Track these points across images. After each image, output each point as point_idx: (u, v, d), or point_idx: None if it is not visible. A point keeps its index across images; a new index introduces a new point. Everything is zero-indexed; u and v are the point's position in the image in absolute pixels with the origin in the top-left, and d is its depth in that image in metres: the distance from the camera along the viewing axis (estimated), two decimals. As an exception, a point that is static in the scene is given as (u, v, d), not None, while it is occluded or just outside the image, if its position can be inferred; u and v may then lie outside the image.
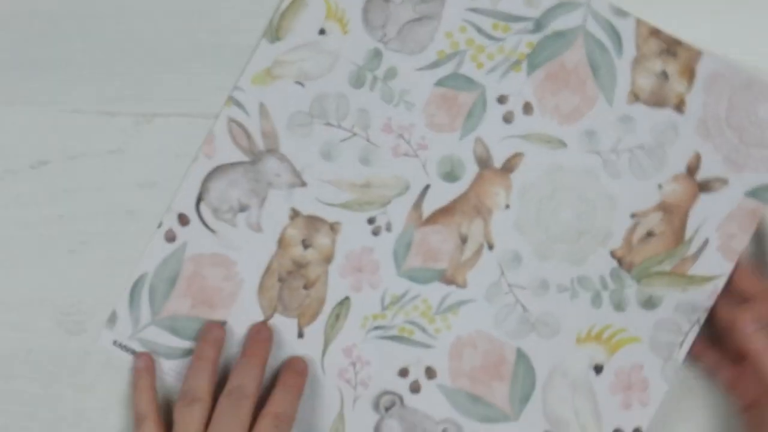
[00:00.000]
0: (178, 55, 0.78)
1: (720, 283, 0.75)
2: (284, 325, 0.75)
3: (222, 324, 0.76)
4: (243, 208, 0.75)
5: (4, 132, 0.77)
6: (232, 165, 0.75)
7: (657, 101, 0.76)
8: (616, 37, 0.76)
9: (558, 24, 0.76)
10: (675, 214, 0.76)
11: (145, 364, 0.75)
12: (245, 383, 0.71)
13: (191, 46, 0.78)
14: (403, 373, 0.75)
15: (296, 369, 0.75)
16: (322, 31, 0.76)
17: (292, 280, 0.75)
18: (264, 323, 0.76)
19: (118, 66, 0.78)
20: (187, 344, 0.75)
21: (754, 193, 0.76)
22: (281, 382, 0.74)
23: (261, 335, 0.75)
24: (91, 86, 0.78)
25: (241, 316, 0.75)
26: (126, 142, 0.77)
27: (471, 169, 0.76)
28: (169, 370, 0.75)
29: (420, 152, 0.76)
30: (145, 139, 0.77)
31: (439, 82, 0.76)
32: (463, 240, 0.75)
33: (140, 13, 0.78)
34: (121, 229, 0.77)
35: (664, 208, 0.76)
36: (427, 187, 0.76)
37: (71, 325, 0.76)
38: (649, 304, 0.75)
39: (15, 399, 0.76)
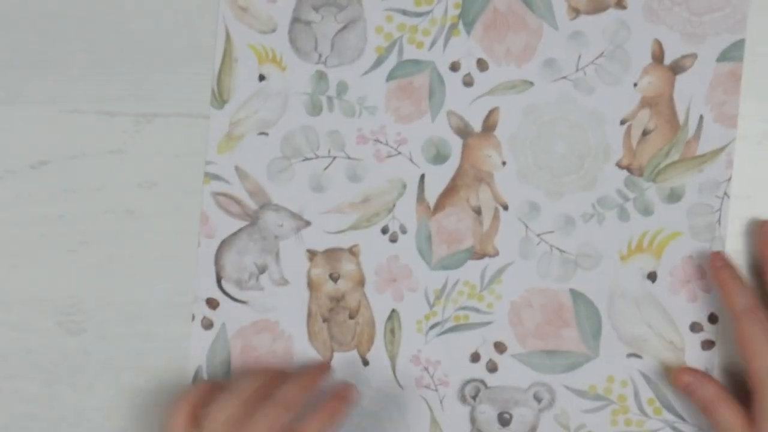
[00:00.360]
0: (178, 55, 0.78)
1: (730, 150, 0.75)
2: (347, 360, 0.75)
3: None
4: (262, 270, 0.75)
5: (4, 132, 0.78)
6: (235, 234, 0.75)
7: (597, 7, 0.76)
8: (535, -36, 0.76)
9: (474, -27, 0.76)
10: (660, 104, 0.76)
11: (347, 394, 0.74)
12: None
13: (191, 46, 0.78)
14: (475, 357, 0.75)
15: (338, 394, 0.73)
16: (261, 78, 0.77)
17: (336, 315, 0.75)
18: (352, 386, 0.74)
19: (118, 66, 0.78)
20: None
21: (725, 56, 0.76)
22: (320, 405, 0.71)
23: (346, 395, 0.74)
24: (92, 86, 0.78)
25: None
26: (126, 142, 0.78)
27: (455, 143, 0.76)
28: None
29: (401, 148, 0.76)
30: (146, 139, 0.77)
31: (390, 77, 0.77)
32: (477, 212, 0.75)
33: (140, 13, 0.78)
34: (121, 229, 0.77)
35: (647, 103, 0.75)
36: (422, 177, 0.76)
37: (71, 325, 0.76)
38: (674, 197, 0.75)
39: (15, 398, 0.76)
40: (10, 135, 0.78)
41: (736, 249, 0.76)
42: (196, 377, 0.75)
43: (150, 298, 0.77)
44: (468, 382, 0.75)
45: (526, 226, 0.75)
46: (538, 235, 0.75)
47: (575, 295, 0.75)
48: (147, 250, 0.77)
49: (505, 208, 0.75)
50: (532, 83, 0.76)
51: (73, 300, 0.77)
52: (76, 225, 0.77)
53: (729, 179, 0.75)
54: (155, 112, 0.78)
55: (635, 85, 0.75)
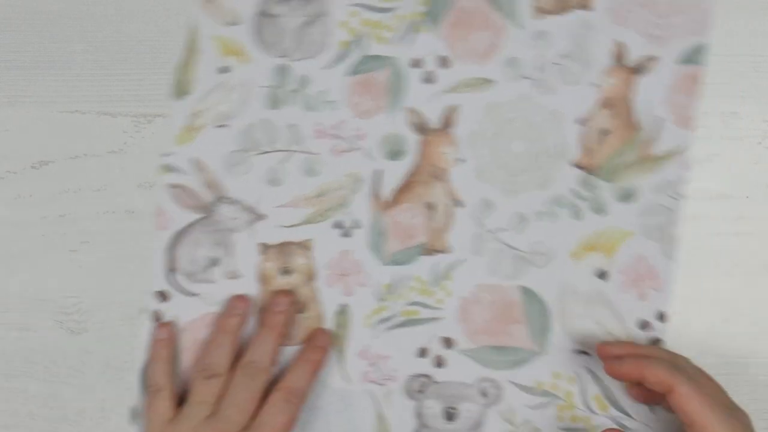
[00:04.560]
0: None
1: (687, 153, 0.76)
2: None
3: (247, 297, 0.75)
4: (215, 263, 0.75)
5: (5, 132, 0.78)
6: (189, 226, 0.75)
7: (563, 7, 0.75)
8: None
9: (442, -30, 0.74)
10: (620, 105, 0.75)
11: (166, 335, 0.75)
12: (260, 357, 0.72)
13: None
14: (423, 352, 0.76)
15: (317, 343, 0.75)
16: (224, 70, 0.75)
17: (287, 309, 0.75)
18: (283, 293, 0.76)
19: (118, 66, 0.78)
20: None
21: (687, 59, 0.76)
22: (300, 355, 0.74)
23: (279, 307, 0.74)
24: (92, 87, 0.78)
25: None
26: (126, 143, 0.78)
27: (413, 140, 0.75)
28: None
29: (359, 143, 0.75)
30: (146, 139, 0.77)
31: (352, 71, 0.76)
32: (431, 208, 0.75)
33: (140, 13, 0.78)
34: (121, 229, 0.77)
35: (607, 104, 0.75)
36: (378, 172, 0.75)
37: (72, 325, 0.77)
38: (628, 196, 0.75)
39: (16, 398, 0.77)
40: (11, 135, 0.78)
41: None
42: (144, 370, 0.74)
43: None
44: (415, 377, 0.76)
45: (480, 224, 0.75)
46: (490, 232, 0.75)
47: (525, 292, 0.75)
48: (147, 250, 0.76)
49: (460, 204, 0.75)
50: (492, 81, 0.75)
51: (73, 299, 0.76)
52: (76, 225, 0.77)
53: (684, 181, 0.74)
54: (155, 112, 0.77)
55: (596, 85, 0.75)
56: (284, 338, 0.74)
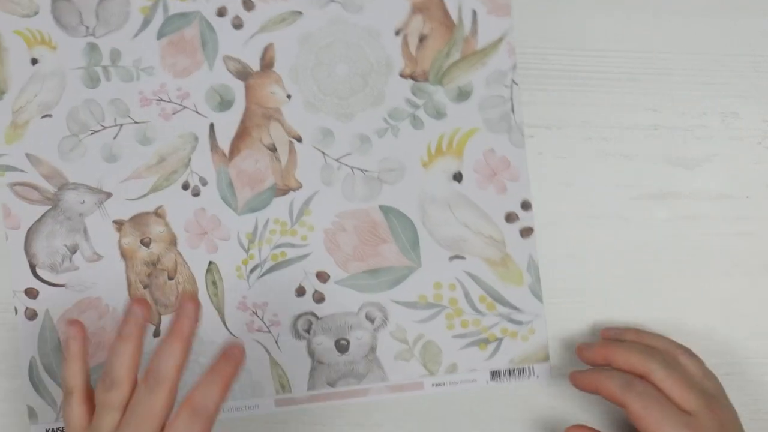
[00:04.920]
0: None
1: (509, 39, 0.77)
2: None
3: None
4: (74, 249, 0.75)
5: None
6: (39, 220, 0.75)
7: None
8: None
9: None
10: (432, 8, 0.77)
11: (76, 332, 0.70)
12: (163, 367, 0.65)
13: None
14: (300, 291, 0.76)
15: (228, 354, 0.66)
16: (34, 61, 0.76)
17: (155, 279, 0.76)
18: (189, 298, 0.68)
19: None
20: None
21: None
22: (209, 369, 0.66)
23: (185, 312, 0.66)
24: None
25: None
26: None
27: (237, 87, 0.76)
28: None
29: (185, 102, 0.76)
30: None
31: (159, 34, 0.76)
32: (272, 149, 0.76)
33: None
34: None
35: (418, 8, 0.76)
36: (211, 126, 0.76)
37: None
38: (463, 95, 0.76)
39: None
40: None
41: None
42: (31, 369, 0.75)
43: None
44: (298, 317, 0.76)
45: (324, 153, 0.76)
46: (337, 160, 0.75)
47: (386, 210, 0.75)
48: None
49: (299, 140, 0.76)
50: (300, 13, 0.76)
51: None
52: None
53: (514, 67, 0.75)
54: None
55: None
56: (190, 345, 0.67)
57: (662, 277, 0.78)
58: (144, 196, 0.76)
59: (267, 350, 0.76)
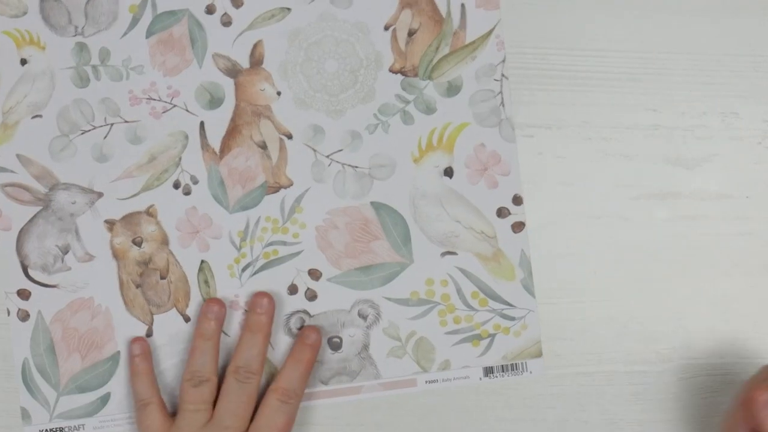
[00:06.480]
0: None
1: (499, 32, 0.77)
2: (169, 320, 0.76)
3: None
4: (65, 250, 0.75)
5: None
6: (31, 221, 0.75)
7: None
8: None
9: None
10: (420, 2, 0.77)
11: (141, 350, 0.76)
12: (249, 361, 0.73)
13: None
14: (293, 289, 0.76)
15: (306, 341, 0.75)
16: (23, 62, 0.76)
17: (147, 279, 0.76)
18: (263, 294, 0.76)
19: None
20: (101, 392, 0.75)
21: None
22: (291, 355, 0.75)
23: (261, 308, 0.75)
24: None
25: (127, 336, 0.75)
26: None
27: (227, 84, 0.76)
28: (101, 423, 0.75)
29: (175, 100, 0.76)
30: None
31: (148, 32, 0.76)
32: (263, 146, 0.76)
33: None
34: None
35: (407, 2, 0.76)
36: (201, 124, 0.75)
37: None
38: (453, 89, 0.76)
39: None
40: None
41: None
42: (24, 370, 0.75)
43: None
44: (291, 315, 0.76)
45: (314, 150, 0.75)
46: (328, 157, 0.75)
47: (377, 207, 0.75)
48: None
49: (290, 137, 0.75)
50: (289, 9, 0.76)
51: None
52: None
53: (503, 60, 0.75)
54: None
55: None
56: (269, 336, 0.75)
57: (662, 277, 0.77)
58: (135, 195, 0.75)
59: (260, 348, 0.75)
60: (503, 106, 0.75)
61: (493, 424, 0.75)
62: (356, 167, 0.75)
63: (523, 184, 0.77)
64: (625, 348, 0.77)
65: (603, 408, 0.76)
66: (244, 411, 0.73)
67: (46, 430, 0.76)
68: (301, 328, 0.75)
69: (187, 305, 0.76)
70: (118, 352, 0.76)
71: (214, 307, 0.75)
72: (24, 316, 0.75)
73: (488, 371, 0.75)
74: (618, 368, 0.77)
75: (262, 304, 0.75)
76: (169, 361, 0.75)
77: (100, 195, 0.75)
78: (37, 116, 0.76)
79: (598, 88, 0.78)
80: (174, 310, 0.76)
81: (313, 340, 0.75)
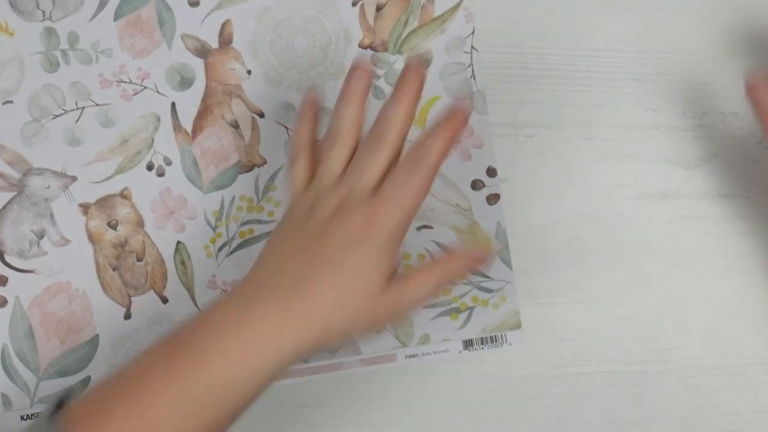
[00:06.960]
0: None
1: (468, 5, 0.77)
2: (147, 301, 0.76)
3: None
4: (41, 235, 0.75)
5: None
6: (5, 207, 0.76)
7: None
8: None
9: None
10: None
11: (310, 101, 0.70)
12: (388, 124, 0.64)
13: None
14: (269, 267, 0.75)
15: (455, 111, 0.64)
16: (-8, 49, 0.76)
17: (124, 261, 0.76)
18: (417, 61, 0.66)
19: None
20: (81, 376, 0.75)
21: None
22: (434, 123, 0.64)
23: (410, 77, 0.65)
24: None
25: (105, 320, 0.75)
26: None
27: (197, 65, 0.76)
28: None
29: (145, 82, 0.76)
30: None
31: (116, 15, 0.77)
32: (235, 126, 0.76)
33: None
34: None
35: (375, -22, 0.75)
36: (173, 105, 0.76)
37: None
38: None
39: None
40: None
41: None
42: (4, 356, 0.75)
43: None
44: (268, 292, 0.75)
45: (287, 128, 0.76)
46: (300, 134, 0.75)
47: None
48: None
49: (261, 115, 0.75)
50: (258, -14, 0.75)
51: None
52: None
53: (473, 32, 0.75)
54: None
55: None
56: (415, 110, 0.65)
57: (662, 277, 0.77)
58: (109, 178, 0.75)
59: (238, 327, 0.75)
60: (474, 78, 0.75)
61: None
62: (329, 143, 0.75)
63: (523, 183, 0.78)
64: (625, 348, 0.77)
65: (603, 408, 0.76)
66: (371, 171, 0.64)
67: (27, 415, 0.75)
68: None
69: (164, 287, 0.76)
70: (97, 335, 0.75)
71: (362, 70, 0.67)
72: (2, 302, 0.75)
73: (468, 344, 0.75)
74: (618, 368, 0.77)
75: (411, 76, 0.65)
76: (148, 342, 0.74)
77: (74, 179, 0.75)
78: (8, 102, 0.76)
79: (598, 88, 0.78)
80: (152, 291, 0.76)
81: (463, 111, 0.65)
